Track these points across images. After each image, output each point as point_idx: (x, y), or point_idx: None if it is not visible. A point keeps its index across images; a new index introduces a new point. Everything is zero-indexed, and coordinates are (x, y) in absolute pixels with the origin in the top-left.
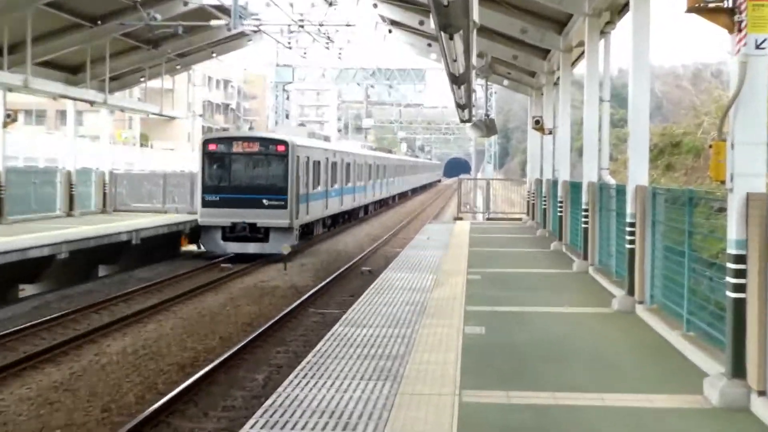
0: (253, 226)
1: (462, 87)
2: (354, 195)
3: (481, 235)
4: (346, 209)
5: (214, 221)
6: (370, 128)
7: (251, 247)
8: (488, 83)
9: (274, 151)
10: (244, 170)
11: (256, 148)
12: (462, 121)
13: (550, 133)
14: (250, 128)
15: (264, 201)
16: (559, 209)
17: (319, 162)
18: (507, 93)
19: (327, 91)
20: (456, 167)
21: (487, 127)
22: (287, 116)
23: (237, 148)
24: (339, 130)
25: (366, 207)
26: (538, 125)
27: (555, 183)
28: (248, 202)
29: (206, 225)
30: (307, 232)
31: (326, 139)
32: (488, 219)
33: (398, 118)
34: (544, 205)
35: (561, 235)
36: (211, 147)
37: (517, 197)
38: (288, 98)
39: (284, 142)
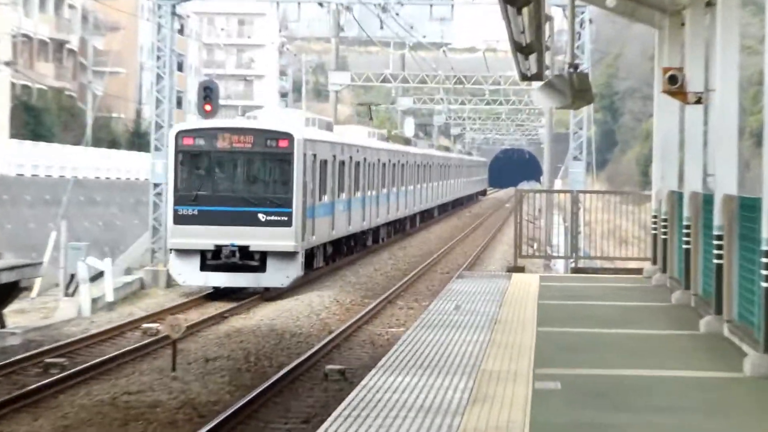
0: (244, 249)
1: (524, 11)
2: (363, 210)
3: (561, 301)
4: (354, 231)
5: (191, 243)
6: (342, 89)
7: (242, 279)
8: (576, 3)
9: (274, 147)
10: (233, 173)
11: (249, 143)
12: (524, 77)
13: (699, 100)
14: (222, 113)
15: (260, 216)
16: (716, 252)
17: (326, 162)
18: (613, 23)
19: (259, 19)
20: (512, 168)
21: (575, 88)
22: (180, 67)
23: (223, 142)
24: (283, 95)
25: (377, 230)
26: (675, 85)
27: (708, 200)
28: (239, 216)
29: (179, 248)
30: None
31: (328, 127)
32: (576, 270)
33: (398, 70)
34: (688, 243)
35: (719, 304)
36: (187, 141)
37: (634, 227)
38: (182, 30)
39: (288, 136)
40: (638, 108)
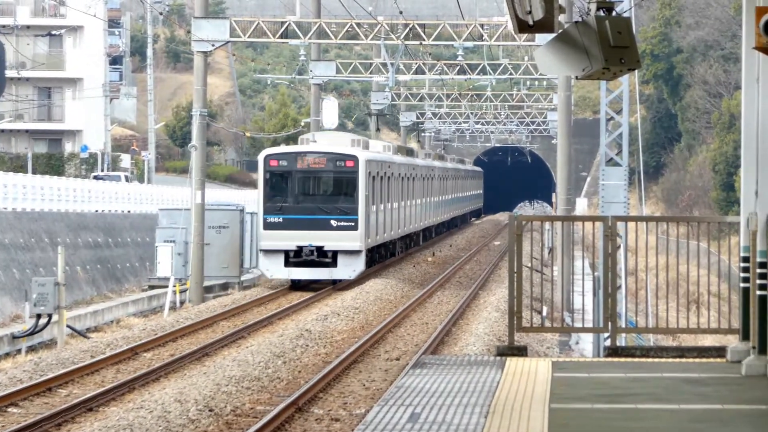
0: (320, 249)
1: None
2: (392, 221)
3: (589, 406)
4: (387, 240)
5: (278, 245)
6: (216, 49)
7: (318, 273)
8: None
9: (342, 167)
10: (310, 188)
11: (323, 164)
12: (522, 26)
13: None
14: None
15: (333, 222)
16: None
17: (374, 177)
18: None
19: None
20: (502, 179)
21: (608, 44)
22: None
23: (302, 164)
24: (114, 60)
25: (394, 243)
26: None
27: None
28: (315, 222)
29: (268, 249)
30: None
31: (365, 145)
32: (614, 352)
33: (310, 17)
34: None
35: None
36: (273, 163)
37: (710, 277)
38: None
39: (354, 158)
40: (716, 76)
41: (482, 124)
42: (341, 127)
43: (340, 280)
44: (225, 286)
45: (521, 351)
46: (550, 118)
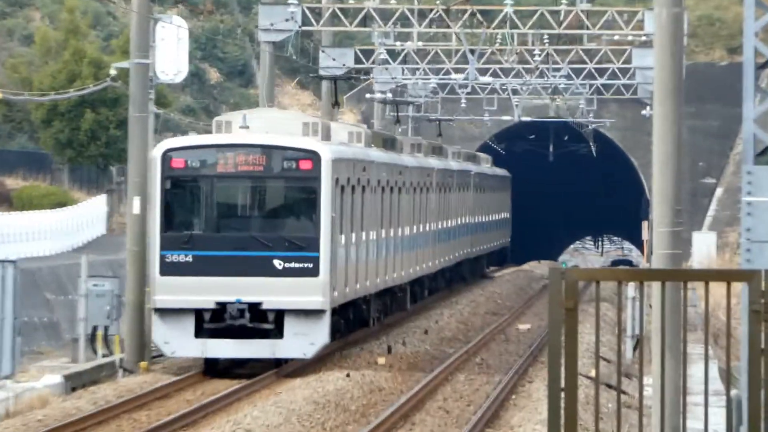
0: (255, 307)
1: None
2: (366, 262)
3: None
4: (359, 295)
5: (184, 300)
6: None
7: (253, 348)
8: None
9: (294, 169)
10: (239, 206)
11: (261, 165)
12: None
13: None
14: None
15: (277, 262)
16: None
17: (343, 187)
18: None
19: None
20: (538, 192)
21: None
22: None
23: (225, 165)
24: None
25: (366, 304)
26: None
27: None
28: (248, 264)
29: (168, 308)
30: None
31: (325, 134)
32: None
33: None
34: None
35: None
36: (177, 164)
37: None
38: None
39: (312, 155)
40: None
41: (495, 74)
42: (196, 79)
43: (287, 361)
44: None
45: None
46: (638, 62)
